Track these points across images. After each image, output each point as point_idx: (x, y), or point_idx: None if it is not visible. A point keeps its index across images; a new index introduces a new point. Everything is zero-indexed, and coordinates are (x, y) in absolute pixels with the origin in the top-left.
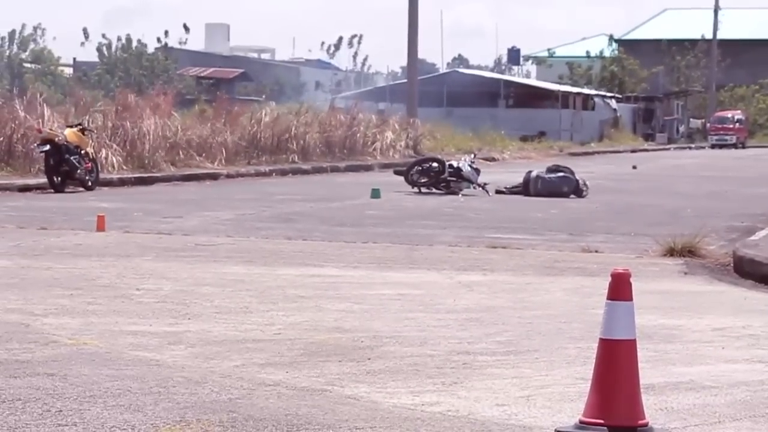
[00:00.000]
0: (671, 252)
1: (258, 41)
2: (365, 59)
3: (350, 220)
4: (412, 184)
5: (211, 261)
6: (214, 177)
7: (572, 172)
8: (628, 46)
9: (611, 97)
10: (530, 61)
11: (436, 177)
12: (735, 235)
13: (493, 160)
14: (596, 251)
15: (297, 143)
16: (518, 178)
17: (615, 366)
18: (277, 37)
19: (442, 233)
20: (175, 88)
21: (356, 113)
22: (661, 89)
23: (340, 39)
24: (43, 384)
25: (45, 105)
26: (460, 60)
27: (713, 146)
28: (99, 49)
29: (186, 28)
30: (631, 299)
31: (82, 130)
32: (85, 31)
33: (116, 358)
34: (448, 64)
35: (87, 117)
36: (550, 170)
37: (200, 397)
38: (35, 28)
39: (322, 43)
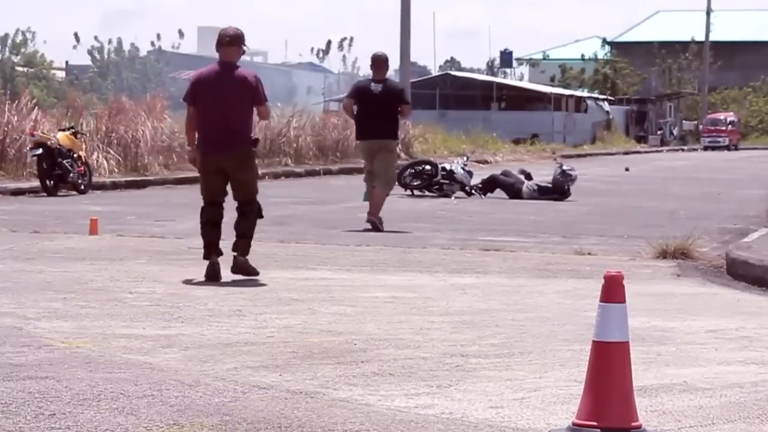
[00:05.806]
0: (664, 254)
1: (250, 44)
2: (355, 61)
3: (343, 222)
4: (405, 186)
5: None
6: None
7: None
8: (620, 48)
9: (604, 100)
10: (523, 64)
11: (429, 179)
12: (728, 237)
13: (486, 162)
14: (589, 253)
15: (290, 146)
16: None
17: (608, 368)
18: (269, 41)
19: (435, 236)
20: (167, 91)
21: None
22: (654, 91)
23: (329, 42)
24: (37, 387)
25: (37, 108)
26: (453, 62)
27: (706, 148)
28: (90, 53)
29: (180, 33)
30: (624, 301)
31: (75, 134)
32: (76, 35)
33: (109, 362)
34: (440, 66)
35: (80, 120)
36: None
37: (193, 400)
38: (25, 33)
39: (312, 48)
